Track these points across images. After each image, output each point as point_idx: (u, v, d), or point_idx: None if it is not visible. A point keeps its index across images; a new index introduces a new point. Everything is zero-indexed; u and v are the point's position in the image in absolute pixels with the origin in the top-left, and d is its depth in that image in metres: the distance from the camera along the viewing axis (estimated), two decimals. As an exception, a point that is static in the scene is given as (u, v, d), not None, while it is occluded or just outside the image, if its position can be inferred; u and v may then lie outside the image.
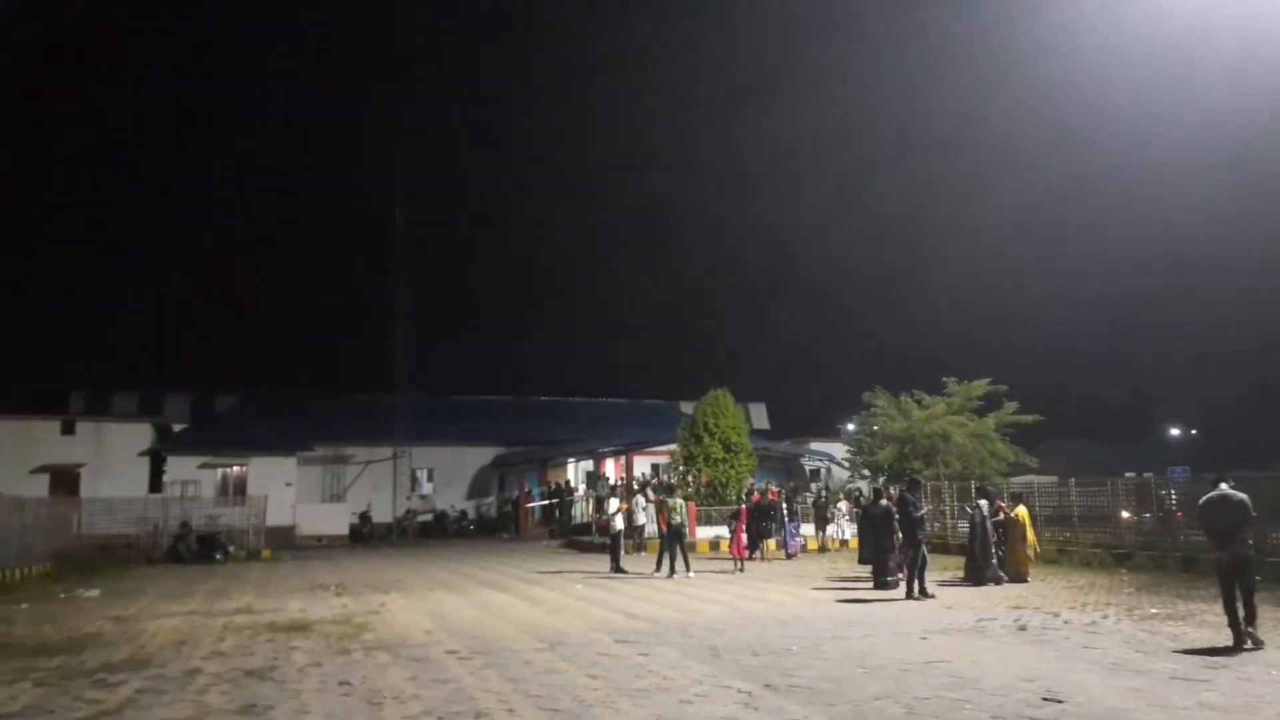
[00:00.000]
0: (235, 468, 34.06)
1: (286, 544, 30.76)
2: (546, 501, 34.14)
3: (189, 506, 27.91)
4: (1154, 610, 11.50)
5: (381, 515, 37.25)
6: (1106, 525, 19.03)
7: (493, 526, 37.84)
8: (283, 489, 33.24)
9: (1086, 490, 20.07)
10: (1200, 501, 9.49)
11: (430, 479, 40.62)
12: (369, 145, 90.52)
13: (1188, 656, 8.42)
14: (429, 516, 38.65)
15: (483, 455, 40.94)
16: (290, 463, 34.70)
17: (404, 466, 38.28)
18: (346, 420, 39.32)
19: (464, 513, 39.45)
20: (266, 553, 26.36)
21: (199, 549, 24.86)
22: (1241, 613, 8.78)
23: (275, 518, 29.94)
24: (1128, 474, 22.33)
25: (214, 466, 33.86)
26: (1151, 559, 16.85)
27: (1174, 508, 18.25)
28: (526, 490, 36.90)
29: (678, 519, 17.94)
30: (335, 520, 35.56)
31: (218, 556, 24.50)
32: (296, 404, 40.78)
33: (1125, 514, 19.08)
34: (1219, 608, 11.10)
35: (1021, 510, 16.47)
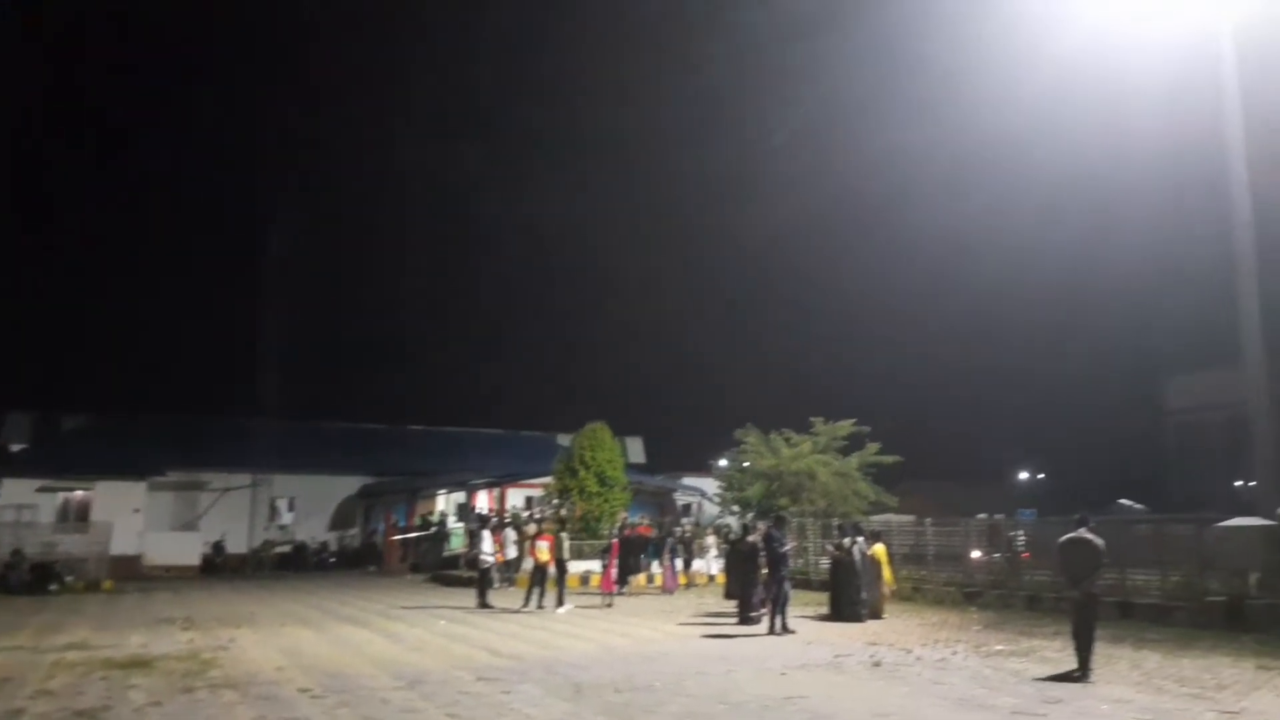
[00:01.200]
0: (79, 492, 31.92)
1: (132, 574, 28.97)
2: (414, 534, 33.31)
3: (23, 533, 26.00)
4: (999, 647, 12.04)
5: (237, 546, 35.57)
6: (959, 564, 19.86)
7: (356, 559, 36.65)
8: (130, 516, 31.32)
9: (941, 530, 20.92)
10: (1060, 541, 10.05)
11: (291, 509, 39.08)
12: (236, 160, 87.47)
13: (1029, 691, 8.83)
14: (288, 548, 37.13)
15: (349, 485, 39.67)
16: (139, 488, 32.78)
17: (263, 495, 36.76)
18: (203, 445, 37.47)
19: (325, 545, 38.08)
20: (108, 583, 24.78)
21: (32, 579, 23.16)
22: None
23: (121, 546, 28.20)
24: (980, 515, 23.34)
25: (54, 490, 31.63)
26: (999, 597, 17.66)
27: (1021, 548, 19.22)
28: (394, 522, 35.92)
29: (565, 553, 18.34)
30: (186, 550, 33.72)
31: (52, 587, 22.88)
32: (150, 427, 38.60)
33: (976, 553, 19.97)
34: (1058, 644, 11.75)
35: (879, 548, 17.02)
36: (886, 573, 16.74)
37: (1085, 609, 9.51)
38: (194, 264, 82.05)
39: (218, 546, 35.09)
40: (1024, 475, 56.85)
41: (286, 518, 38.62)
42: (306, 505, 38.94)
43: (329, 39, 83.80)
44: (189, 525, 36.29)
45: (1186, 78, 17.24)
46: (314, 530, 38.48)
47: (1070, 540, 9.78)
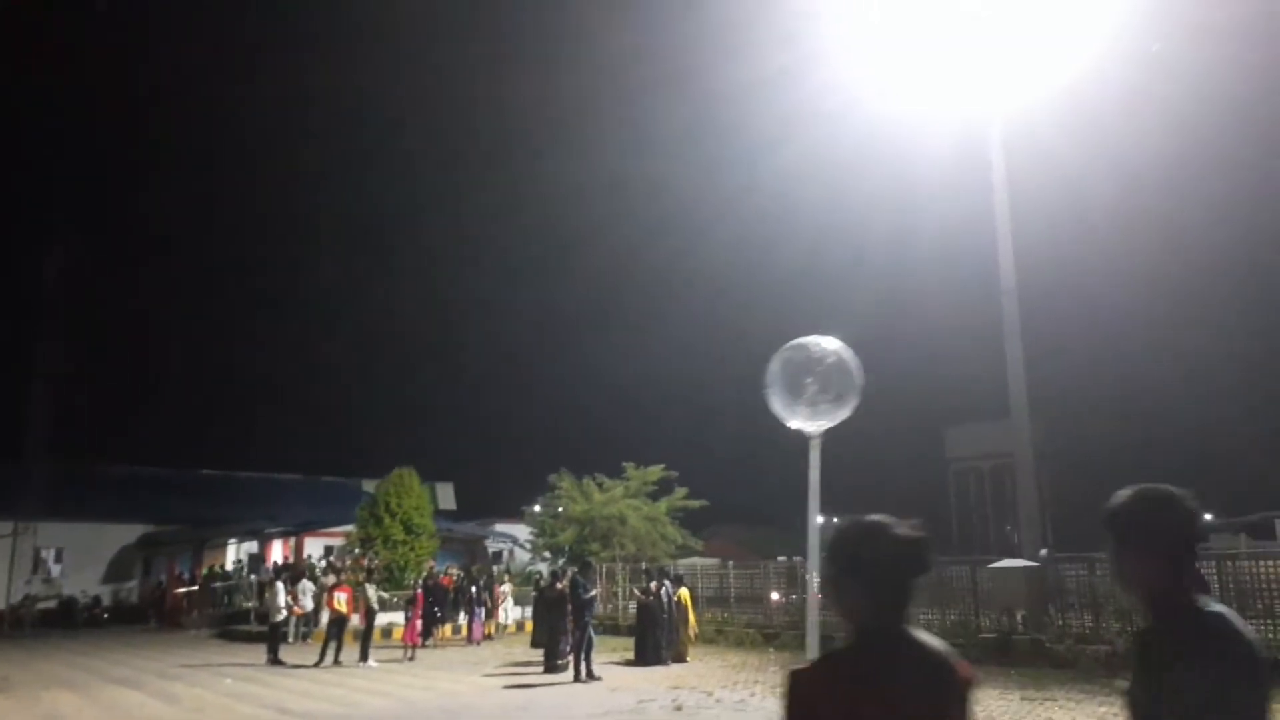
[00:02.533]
0: None
1: None
2: (197, 587, 31.05)
3: None
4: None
5: (-8, 602, 31.96)
6: (759, 606, 20.52)
7: (134, 615, 33.70)
8: None
9: (743, 572, 21.59)
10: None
11: (59, 560, 35.60)
12: (16, 168, 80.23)
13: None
14: (53, 603, 33.69)
15: (127, 534, 36.54)
16: None
17: (26, 545, 33.24)
18: (-47, 490, 33.67)
19: (98, 599, 34.80)
20: None
21: None
22: None
23: None
24: (779, 558, 24.28)
25: None
26: (796, 638, 18.30)
27: (816, 590, 20.08)
28: (178, 574, 33.37)
29: (375, 606, 17.71)
30: (-72, 608, 30.03)
31: None
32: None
33: (775, 595, 20.71)
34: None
35: (684, 592, 17.38)
36: (691, 616, 17.09)
37: None
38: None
39: (-33, 604, 31.43)
40: (820, 519, 59.74)
41: (54, 570, 35.12)
42: (78, 556, 35.57)
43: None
44: (-68, 580, 32.38)
45: (968, 156, 18.95)
46: (85, 583, 35.14)
47: None
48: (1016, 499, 18.26)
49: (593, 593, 15.25)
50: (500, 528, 38.75)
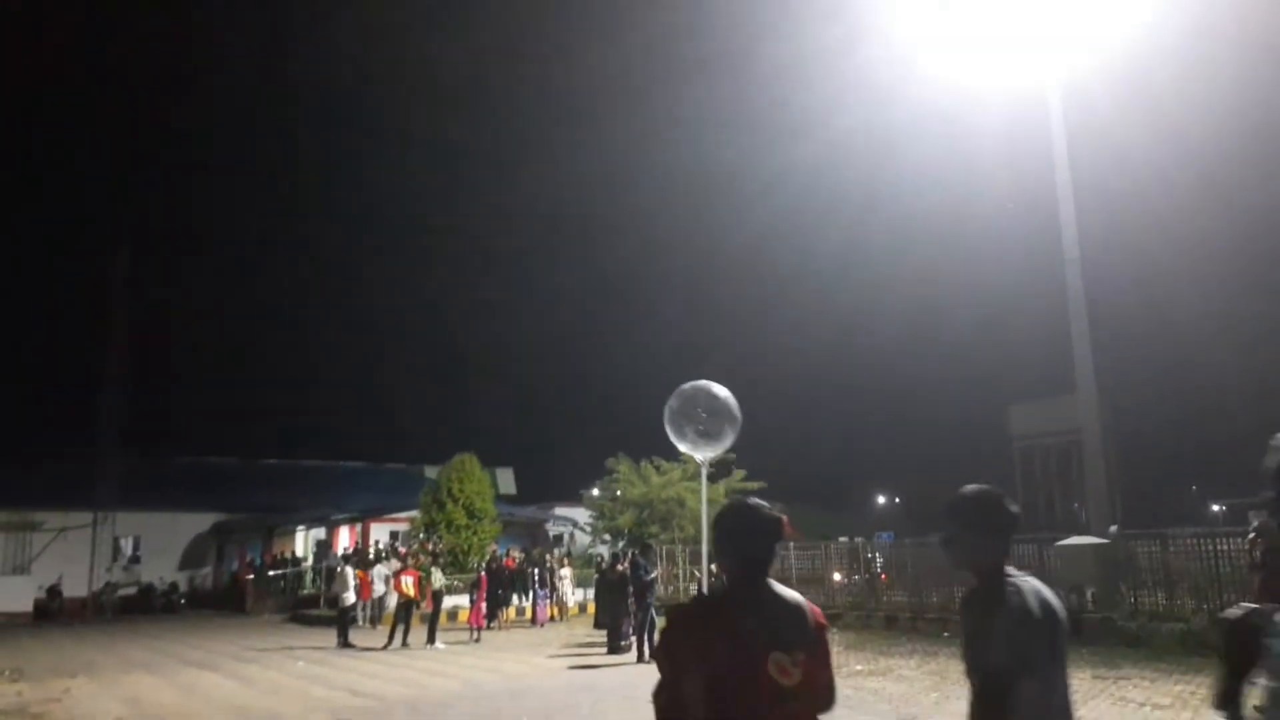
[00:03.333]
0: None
1: (-49, 625, 26.67)
2: (270, 573, 31.87)
3: None
4: (859, 667, 12.40)
5: (76, 589, 33.13)
6: (820, 587, 20.40)
7: (208, 601, 34.76)
8: (-49, 560, 28.90)
9: (803, 553, 21.47)
10: None
11: (136, 548, 36.82)
12: (73, 183, 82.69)
13: (886, 710, 9.12)
14: (133, 590, 34.88)
15: (200, 522, 37.65)
16: (-38, 530, 30.30)
17: (105, 534, 34.42)
18: (37, 482, 34.89)
19: (175, 585, 35.95)
20: (-76, 635, 22.72)
21: None
22: None
23: (-61, 594, 25.91)
24: (841, 538, 24.07)
25: None
26: (859, 618, 18.21)
27: (879, 570, 19.90)
28: (249, 561, 34.28)
29: (440, 589, 18.17)
30: (17, 595, 31.25)
31: None
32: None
33: (837, 576, 20.56)
34: (914, 663, 12.22)
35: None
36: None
37: None
38: (29, 293, 76.84)
39: (53, 590, 32.65)
40: (881, 499, 59.08)
41: (130, 557, 36.38)
42: (154, 544, 36.78)
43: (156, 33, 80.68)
44: (20, 568, 33.66)
45: (1024, 126, 18.49)
46: (162, 570, 36.34)
47: None
48: (1084, 475, 17.85)
49: (654, 574, 15.32)
50: (560, 511, 39.07)
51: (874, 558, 20.38)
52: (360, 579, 20.83)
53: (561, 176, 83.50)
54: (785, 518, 2.68)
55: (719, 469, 28.66)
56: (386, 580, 21.49)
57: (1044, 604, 2.61)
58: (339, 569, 20.23)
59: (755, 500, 2.68)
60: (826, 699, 2.58)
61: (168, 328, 74.89)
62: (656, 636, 13.51)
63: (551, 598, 23.79)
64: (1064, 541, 16.27)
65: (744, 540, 2.60)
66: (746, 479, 28.36)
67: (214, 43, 78.30)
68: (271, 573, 31.47)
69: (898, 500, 59.91)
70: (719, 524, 2.67)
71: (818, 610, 2.57)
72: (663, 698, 2.49)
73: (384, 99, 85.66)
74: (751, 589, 2.53)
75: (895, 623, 17.34)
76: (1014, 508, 2.76)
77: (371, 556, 26.11)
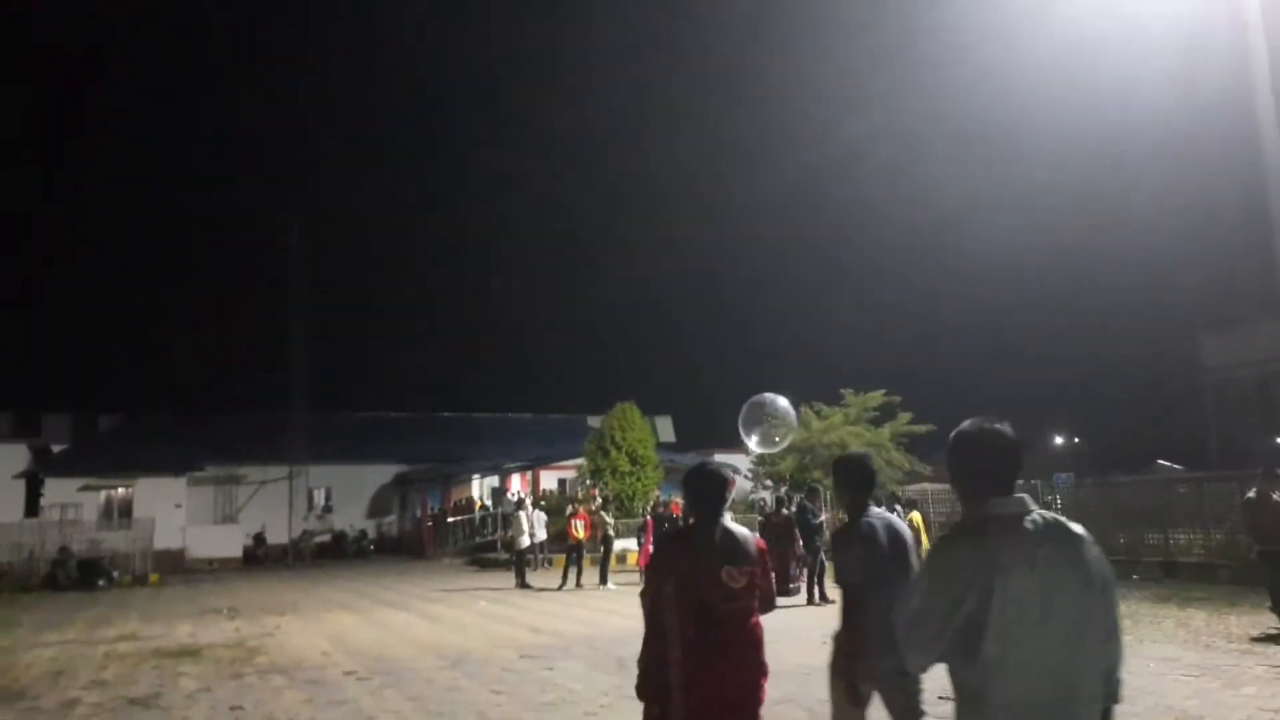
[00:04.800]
0: (120, 490, 32.47)
1: (176, 568, 29.50)
2: (450, 519, 33.60)
3: (69, 531, 26.50)
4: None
5: (277, 537, 36.03)
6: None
7: (394, 546, 37.06)
8: (172, 511, 31.86)
9: (976, 498, 20.79)
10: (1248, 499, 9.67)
11: (328, 499, 39.55)
12: (261, 151, 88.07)
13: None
14: (327, 537, 37.60)
15: (384, 473, 40.05)
16: (179, 484, 33.31)
17: (300, 486, 37.16)
18: (239, 440, 37.97)
19: (364, 532, 38.49)
20: (154, 577, 25.23)
21: (80, 575, 23.62)
22: None
23: (164, 541, 28.67)
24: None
25: (97, 489, 32.21)
26: (1038, 560, 17.52)
27: (1059, 512, 19.07)
28: (430, 508, 36.24)
29: (611, 531, 18.92)
30: (228, 543, 34.29)
31: (100, 582, 23.31)
32: (186, 423, 39.23)
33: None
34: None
35: (916, 516, 17.00)
36: (924, 539, 16.73)
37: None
38: (220, 260, 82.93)
39: (258, 538, 35.59)
40: (1060, 439, 56.34)
41: (323, 507, 39.14)
42: (343, 494, 39.43)
43: (338, 27, 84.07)
44: (229, 518, 36.86)
45: (1204, 19, 16.84)
46: (351, 518, 38.94)
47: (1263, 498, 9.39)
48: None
49: (822, 518, 15.21)
50: (719, 458, 39.26)
51: (1052, 500, 19.52)
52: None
53: (721, 128, 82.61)
54: (734, 478, 3.91)
55: (883, 412, 28.05)
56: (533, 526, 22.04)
57: (892, 535, 3.87)
58: (513, 514, 21.09)
59: (712, 465, 3.89)
60: (767, 601, 3.80)
61: (354, 293, 79.40)
62: (825, 578, 13.46)
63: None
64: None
65: (701, 495, 3.74)
66: (912, 422, 27.65)
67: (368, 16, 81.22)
68: (450, 519, 33.16)
69: (1077, 440, 57.02)
70: (684, 484, 3.89)
71: (760, 540, 3.80)
72: (648, 597, 3.68)
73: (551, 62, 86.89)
74: (711, 526, 3.70)
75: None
76: (872, 467, 4.20)
77: (525, 500, 26.76)
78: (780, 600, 14.51)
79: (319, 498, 39.27)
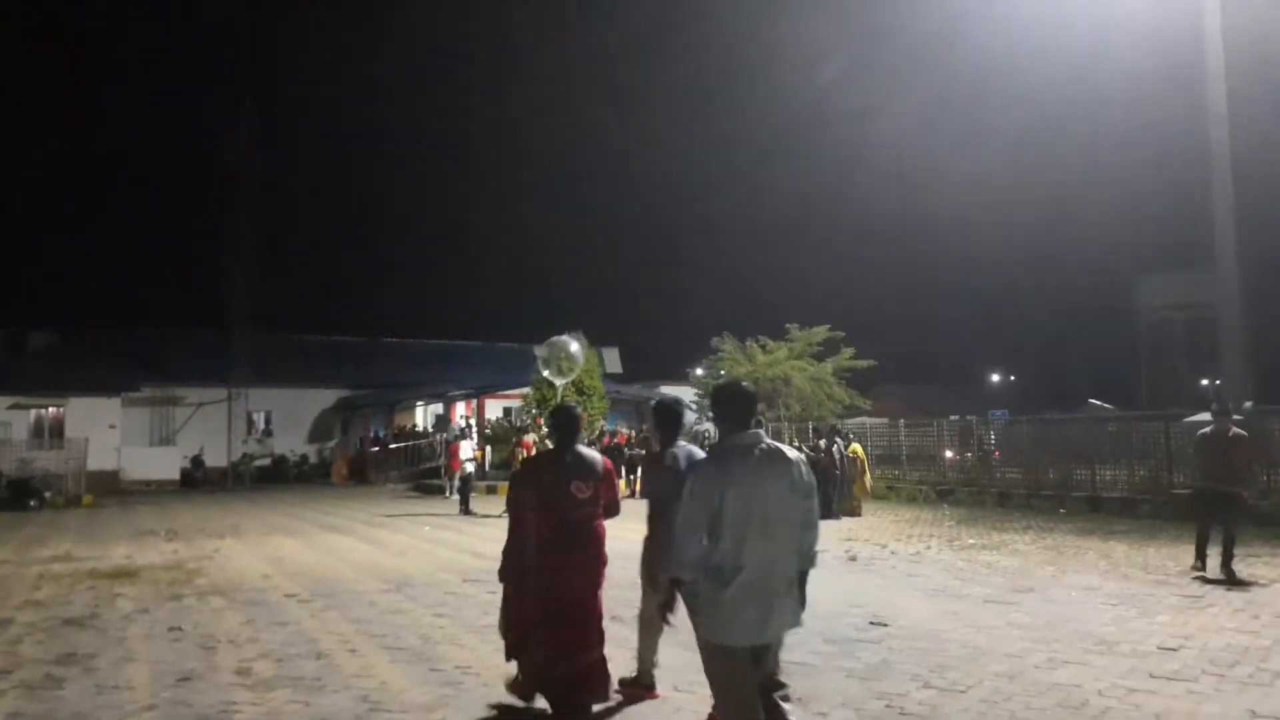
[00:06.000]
0: (51, 409, 31.71)
1: (111, 489, 29.05)
2: (393, 445, 33.49)
3: (-2, 450, 25.89)
4: (972, 541, 12.37)
5: (216, 460, 35.65)
6: (932, 464, 20.27)
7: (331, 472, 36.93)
8: (106, 432, 31.22)
9: (915, 431, 21.28)
10: (1204, 435, 9.37)
11: (268, 422, 39.14)
12: (200, 63, 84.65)
13: (1000, 581, 9.11)
14: (267, 461, 37.29)
15: (326, 398, 39.70)
16: (114, 404, 32.59)
17: (240, 409, 36.67)
18: (178, 359, 37.27)
19: (305, 457, 38.25)
20: (88, 499, 24.82)
21: (10, 495, 23.14)
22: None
23: (98, 462, 28.14)
24: (953, 416, 23.73)
25: (26, 408, 31.40)
26: (971, 494, 18.08)
27: (993, 448, 19.60)
28: (372, 434, 36.06)
29: None
30: (165, 465, 33.82)
31: (32, 503, 22.87)
32: (122, 342, 38.26)
33: (949, 453, 20.37)
34: (1029, 538, 12.14)
35: (857, 447, 17.42)
36: (865, 471, 17.18)
37: (1225, 504, 8.98)
38: (160, 175, 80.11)
39: (196, 461, 35.17)
40: (996, 377, 57.70)
41: (263, 430, 38.74)
42: (284, 418, 39.03)
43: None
44: (166, 440, 36.33)
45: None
46: (292, 443, 38.64)
47: (1220, 435, 9.12)
48: (1220, 348, 16.98)
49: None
50: (665, 390, 39.55)
51: (987, 435, 20.08)
52: (451, 451, 21.71)
53: (688, 63, 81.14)
54: (583, 415, 5.35)
55: (827, 347, 28.39)
56: (472, 455, 22.13)
57: (689, 463, 4.82)
58: (457, 442, 21.10)
59: (569, 405, 5.06)
60: (613, 508, 5.00)
61: (297, 212, 77.34)
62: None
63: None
64: (1192, 418, 15.67)
65: (559, 427, 5.00)
66: (855, 357, 28.02)
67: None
68: (394, 445, 33.06)
69: (1013, 378, 58.43)
70: (549, 419, 5.29)
71: (608, 462, 5.05)
72: (513, 503, 5.00)
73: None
74: (564, 451, 4.88)
75: (1009, 499, 17.16)
76: (680, 411, 5.34)
77: (459, 433, 26.79)
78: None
79: (259, 421, 38.83)
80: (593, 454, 4.95)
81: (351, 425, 39.06)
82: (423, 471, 29.86)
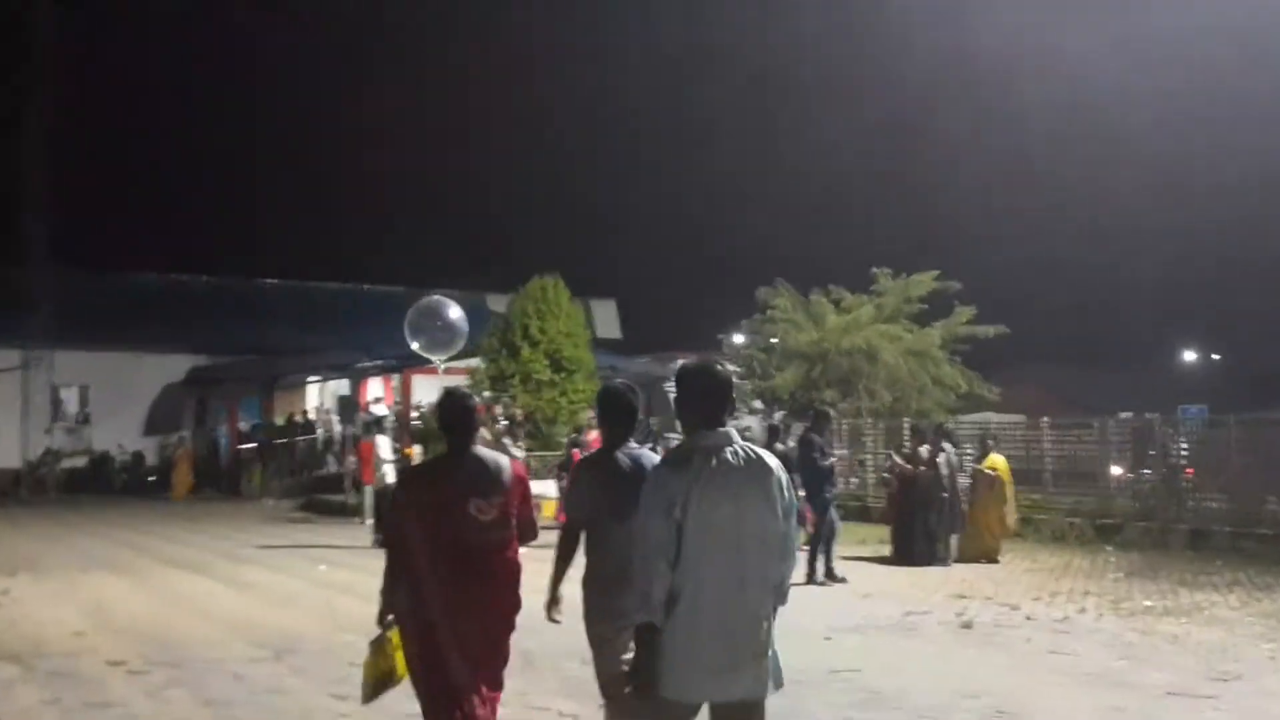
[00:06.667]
0: None
1: None
2: (273, 441, 33.57)
3: None
4: (1148, 603, 12.37)
5: (6, 458, 35.73)
6: (1090, 484, 20.20)
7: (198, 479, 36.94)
8: None
9: (1065, 435, 21.20)
10: None
11: (84, 403, 39.16)
12: None
13: (1191, 664, 9.11)
14: (82, 460, 37.34)
15: (172, 368, 39.65)
16: None
17: (40, 382, 36.69)
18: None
19: (140, 455, 38.21)
20: None
21: None
22: None
23: None
24: (1123, 414, 23.68)
25: None
26: (1149, 533, 18.03)
27: (1183, 462, 19.53)
28: (240, 425, 36.17)
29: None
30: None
31: None
32: None
33: (1117, 470, 20.29)
34: (1235, 598, 12.15)
35: (998, 460, 17.25)
36: (1009, 496, 17.08)
37: None
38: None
39: (-27, 461, 35.31)
40: (1192, 355, 57.47)
41: (76, 413, 38.79)
42: (107, 398, 38.86)
43: None
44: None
45: None
46: (122, 434, 38.42)
47: None
48: None
49: (832, 458, 15.41)
50: (685, 363, 39.48)
51: (1175, 443, 20.04)
52: (362, 452, 21.79)
53: None
54: (481, 405, 8.53)
55: (933, 306, 28.27)
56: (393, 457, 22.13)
57: (642, 472, 5.03)
58: (373, 439, 21.13)
59: (458, 391, 5.69)
60: (528, 531, 5.46)
61: (123, 98, 77.08)
62: (835, 547, 13.71)
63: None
64: None
65: (448, 423, 5.33)
66: (976, 321, 27.88)
67: None
68: (277, 442, 33.13)
69: (1215, 357, 58.28)
70: (439, 411, 5.58)
71: (519, 465, 5.54)
72: (388, 535, 5.77)
73: None
74: (459, 456, 5.22)
75: (1205, 540, 17.15)
76: (633, 402, 5.67)
77: (374, 424, 26.59)
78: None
79: (70, 401, 38.87)
80: (497, 458, 5.35)
81: (210, 410, 39.09)
82: (317, 482, 29.93)
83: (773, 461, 4.16)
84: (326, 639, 10.26)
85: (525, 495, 5.39)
